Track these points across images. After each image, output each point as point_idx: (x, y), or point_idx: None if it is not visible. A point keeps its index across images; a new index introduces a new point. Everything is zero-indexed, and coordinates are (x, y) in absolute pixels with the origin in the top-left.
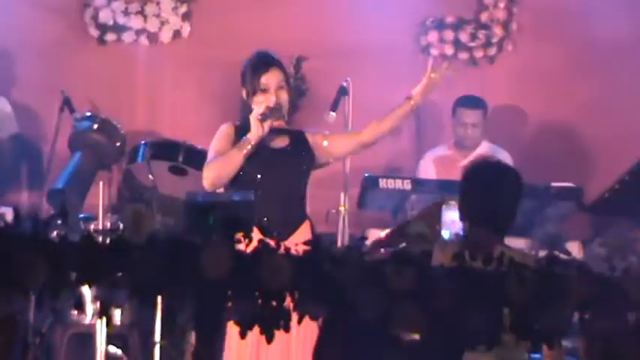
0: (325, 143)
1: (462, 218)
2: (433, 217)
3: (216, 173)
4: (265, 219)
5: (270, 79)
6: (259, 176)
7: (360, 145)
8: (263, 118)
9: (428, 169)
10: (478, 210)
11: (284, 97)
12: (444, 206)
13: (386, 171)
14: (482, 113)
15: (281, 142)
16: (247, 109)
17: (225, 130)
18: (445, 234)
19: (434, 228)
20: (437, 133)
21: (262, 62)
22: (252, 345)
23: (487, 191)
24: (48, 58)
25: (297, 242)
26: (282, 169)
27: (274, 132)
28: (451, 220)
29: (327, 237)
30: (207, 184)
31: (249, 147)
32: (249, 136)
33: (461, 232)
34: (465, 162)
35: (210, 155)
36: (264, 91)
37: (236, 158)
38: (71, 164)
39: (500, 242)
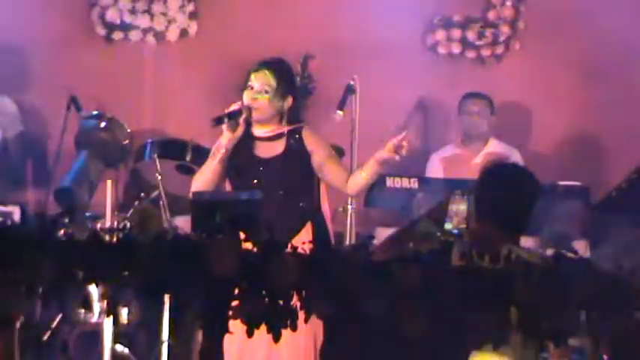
0: (319, 161)
1: (476, 213)
2: (441, 216)
3: (196, 184)
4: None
5: (257, 79)
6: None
7: (342, 190)
8: (216, 122)
9: (435, 170)
10: (490, 207)
11: (261, 101)
12: (450, 200)
13: (393, 170)
14: (487, 103)
15: (272, 151)
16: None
17: None
18: (448, 225)
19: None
20: (444, 132)
21: (258, 62)
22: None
23: (500, 190)
24: (55, 57)
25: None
26: (274, 179)
27: (265, 140)
28: (455, 212)
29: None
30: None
31: (223, 152)
32: (221, 141)
33: (463, 226)
34: (476, 160)
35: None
36: (251, 89)
37: (210, 167)
38: (78, 163)
39: (509, 241)
